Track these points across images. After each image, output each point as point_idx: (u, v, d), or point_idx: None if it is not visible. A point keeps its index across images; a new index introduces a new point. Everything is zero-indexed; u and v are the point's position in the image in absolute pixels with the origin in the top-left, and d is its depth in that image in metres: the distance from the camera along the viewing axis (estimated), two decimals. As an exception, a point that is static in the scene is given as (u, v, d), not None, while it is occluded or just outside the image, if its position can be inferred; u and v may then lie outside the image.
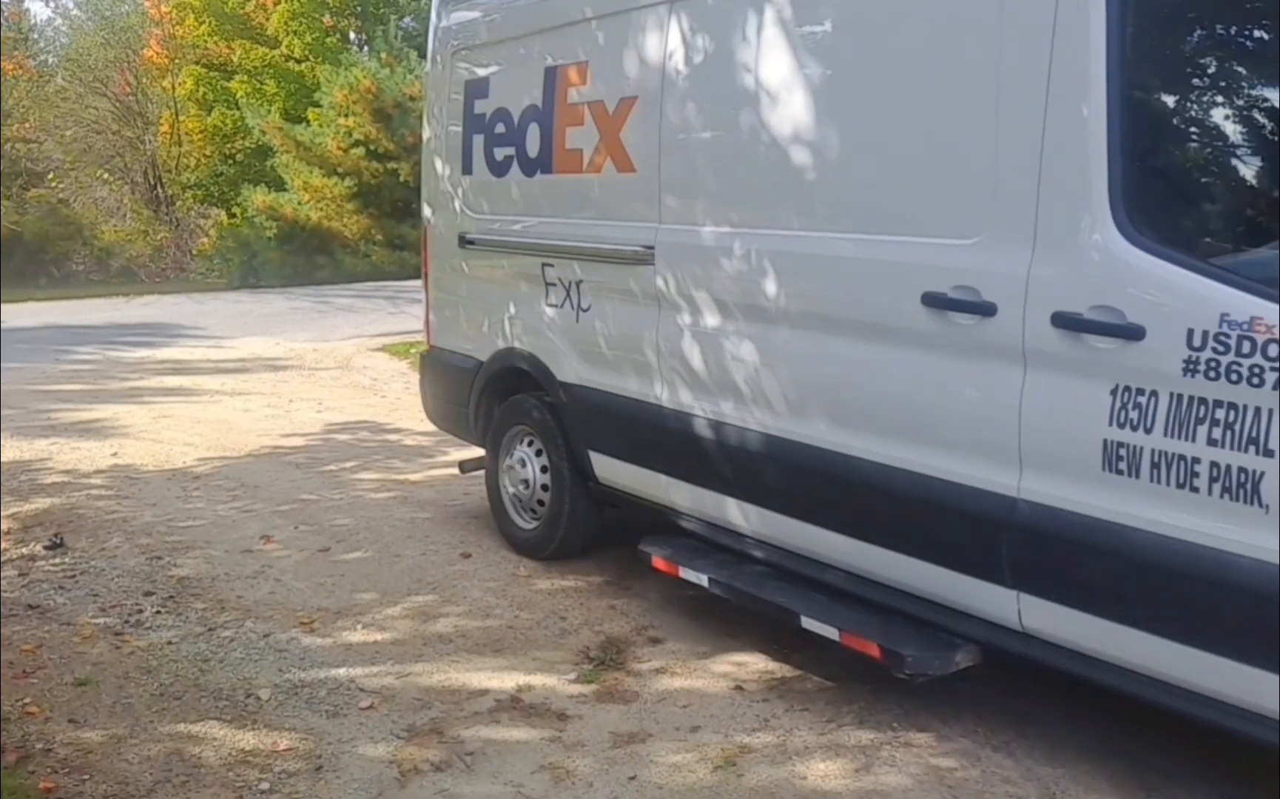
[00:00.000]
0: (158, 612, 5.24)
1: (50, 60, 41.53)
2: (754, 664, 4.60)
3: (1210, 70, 3.30)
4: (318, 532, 6.46)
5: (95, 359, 14.42)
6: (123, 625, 5.08)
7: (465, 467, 6.39)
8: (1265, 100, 3.15)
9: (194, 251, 35.23)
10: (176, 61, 35.04)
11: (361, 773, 3.78)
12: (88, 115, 37.32)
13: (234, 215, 30.42)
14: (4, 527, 6.53)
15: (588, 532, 5.64)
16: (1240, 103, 3.22)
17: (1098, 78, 3.13)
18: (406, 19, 28.78)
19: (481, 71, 5.92)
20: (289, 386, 11.62)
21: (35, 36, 41.44)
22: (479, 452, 6.25)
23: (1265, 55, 3.14)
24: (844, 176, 4.00)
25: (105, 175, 38.47)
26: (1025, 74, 3.30)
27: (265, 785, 3.69)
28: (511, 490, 5.88)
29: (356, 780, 3.74)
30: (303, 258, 25.59)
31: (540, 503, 5.71)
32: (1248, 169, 3.26)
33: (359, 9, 31.31)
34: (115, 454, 8.45)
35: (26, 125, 37.69)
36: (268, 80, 28.21)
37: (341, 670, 4.57)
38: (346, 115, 23.73)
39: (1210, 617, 3.06)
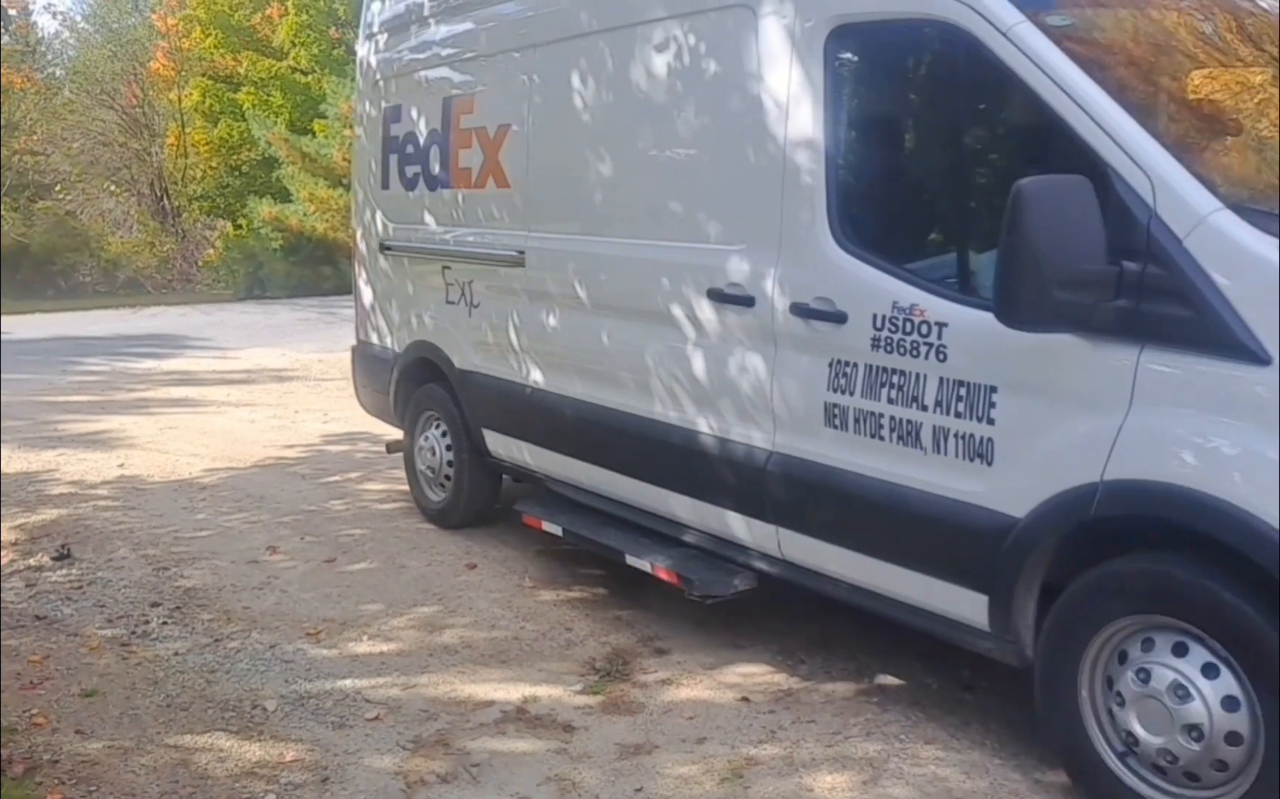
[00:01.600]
0: (164, 623, 5.25)
1: (58, 73, 41.69)
2: (760, 675, 4.59)
3: (891, 122, 4.37)
4: (323, 542, 6.47)
5: (102, 370, 14.46)
6: (129, 636, 5.08)
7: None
8: (930, 144, 4.29)
9: (200, 263, 35.27)
10: (183, 73, 35.12)
11: (368, 784, 3.78)
12: (95, 127, 37.43)
13: (240, 226, 30.46)
14: (11, 538, 6.54)
15: (486, 500, 6.49)
16: (911, 146, 4.40)
17: (819, 128, 4.13)
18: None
19: (396, 100, 6.75)
20: (295, 397, 11.64)
21: (43, 49, 41.61)
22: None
23: (930, 112, 4.25)
24: (652, 195, 4.94)
25: (112, 187, 38.56)
26: (772, 125, 4.29)
27: (271, 797, 3.70)
28: (423, 467, 6.69)
29: (363, 792, 3.74)
30: (308, 269, 25.62)
31: (447, 477, 6.51)
32: (917, 193, 4.30)
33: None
34: (122, 465, 8.47)
35: (34, 137, 37.81)
36: (274, 92, 28.27)
37: (347, 681, 4.58)
38: (352, 126, 23.75)
39: (902, 541, 3.93)
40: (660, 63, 4.84)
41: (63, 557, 6.13)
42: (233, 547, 6.40)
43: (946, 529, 3.75)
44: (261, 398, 11.69)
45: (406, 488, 6.94)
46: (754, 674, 4.61)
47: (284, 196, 25.99)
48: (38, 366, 14.45)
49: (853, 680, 4.53)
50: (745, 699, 4.38)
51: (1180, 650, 3.23)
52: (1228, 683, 3.14)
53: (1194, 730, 3.17)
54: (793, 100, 4.22)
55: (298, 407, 11.04)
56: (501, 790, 3.75)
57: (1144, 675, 3.28)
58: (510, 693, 4.46)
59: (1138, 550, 3.36)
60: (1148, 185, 3.23)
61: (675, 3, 4.78)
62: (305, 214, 24.90)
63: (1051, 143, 3.50)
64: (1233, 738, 3.13)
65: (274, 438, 9.46)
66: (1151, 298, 3.22)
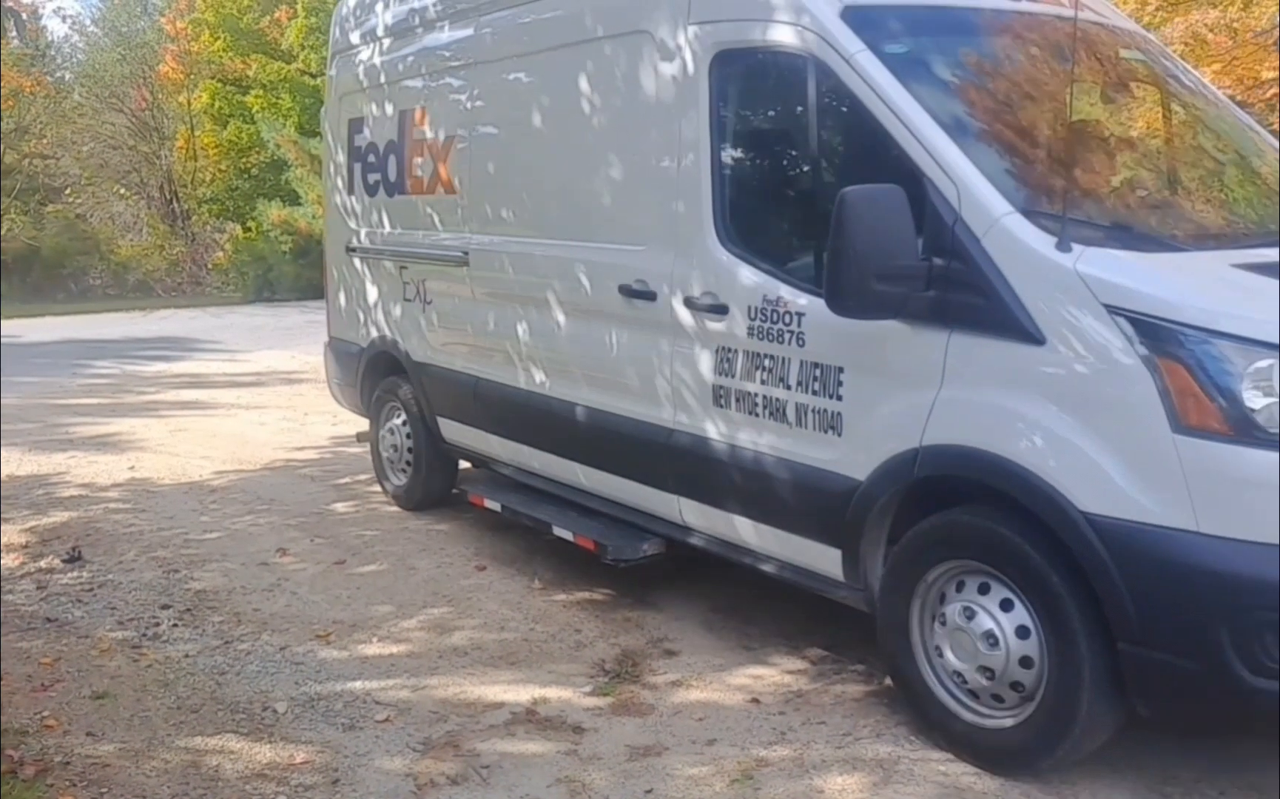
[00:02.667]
0: (175, 625, 5.26)
1: (67, 76, 41.79)
2: (770, 677, 4.59)
3: (762, 137, 4.97)
4: (333, 544, 6.48)
5: (112, 373, 14.51)
6: (140, 639, 5.10)
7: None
8: (792, 156, 4.78)
9: (210, 266, 35.37)
10: (192, 77, 35.20)
11: (378, 786, 3.78)
12: (104, 131, 37.55)
13: (249, 229, 30.54)
14: (22, 540, 6.56)
15: (442, 483, 7.00)
16: (777, 157, 4.90)
17: (704, 142, 4.67)
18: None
19: (359, 112, 7.28)
20: (304, 400, 11.65)
21: (52, 53, 41.71)
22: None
23: (792, 127, 4.72)
24: (573, 201, 5.48)
25: (122, 190, 38.68)
26: (668, 144, 4.84)
27: (282, 798, 3.71)
28: (386, 453, 7.24)
29: (373, 793, 3.74)
30: (318, 271, 25.53)
31: (408, 462, 7.03)
32: (781, 199, 4.78)
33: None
34: (132, 468, 8.50)
35: (44, 141, 37.93)
36: (283, 94, 28.29)
37: (358, 683, 4.58)
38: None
39: (776, 506, 4.43)
40: (576, 83, 5.39)
41: (73, 559, 6.15)
42: (243, 549, 6.41)
43: (808, 493, 4.29)
44: (271, 400, 11.72)
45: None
46: (764, 676, 4.60)
47: (293, 199, 26.05)
48: (48, 369, 14.51)
49: (863, 682, 4.52)
50: (755, 701, 4.37)
51: (984, 590, 3.77)
52: (1020, 615, 3.67)
53: (994, 657, 3.71)
54: (683, 118, 4.76)
55: (307, 409, 11.05)
56: (511, 792, 3.75)
57: (957, 612, 3.81)
58: (520, 694, 4.46)
59: (956, 506, 3.86)
60: (955, 191, 3.76)
61: (587, 30, 5.31)
62: (314, 217, 24.89)
63: (884, 154, 3.98)
64: (1025, 662, 3.66)
65: (284, 440, 9.48)
66: (956, 289, 3.76)
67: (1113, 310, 3.43)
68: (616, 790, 3.74)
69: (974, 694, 3.83)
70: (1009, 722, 3.75)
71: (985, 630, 3.72)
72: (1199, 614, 3.29)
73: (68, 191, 38.63)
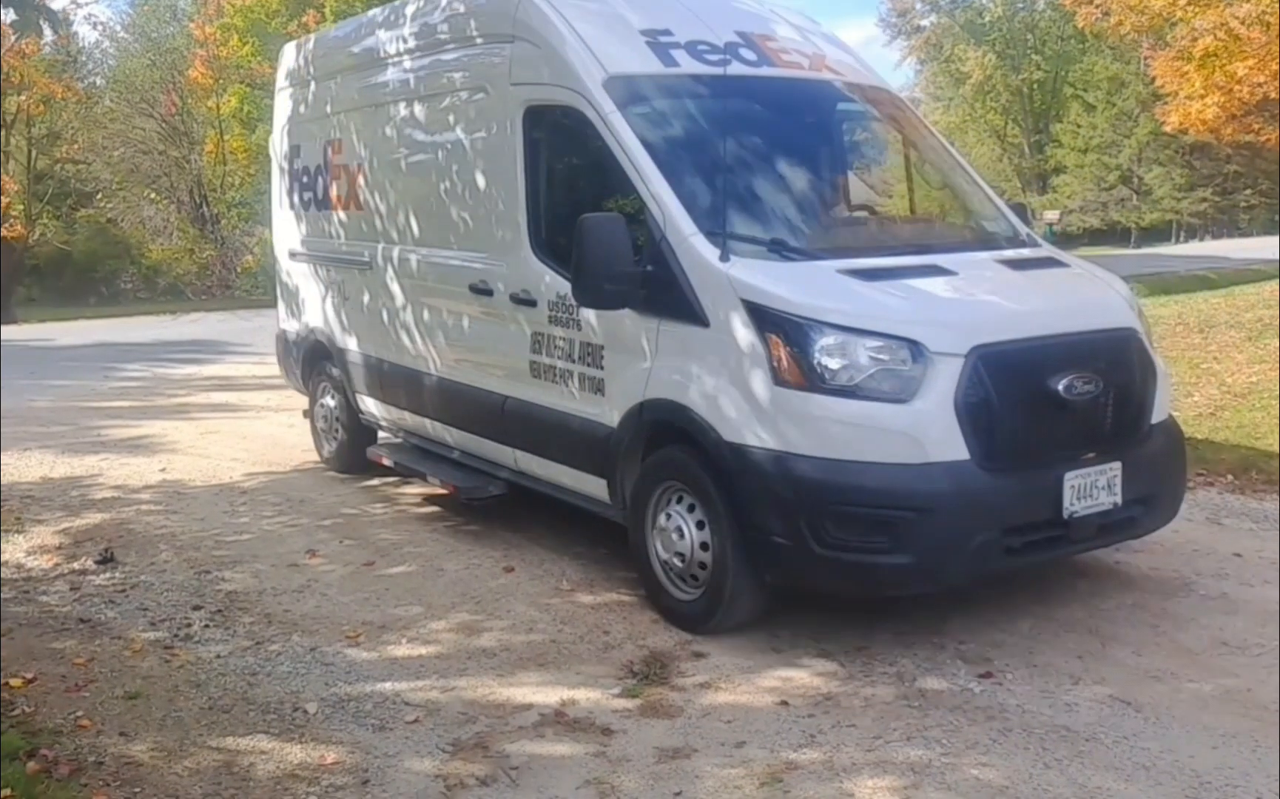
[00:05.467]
0: (206, 626, 5.30)
1: (98, 82, 42.20)
2: (799, 679, 4.57)
3: (555, 171, 6.16)
4: (362, 546, 6.51)
5: (143, 376, 14.64)
6: (172, 639, 5.13)
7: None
8: (572, 186, 6.17)
9: (239, 269, 35.66)
10: (221, 81, 35.50)
11: (408, 787, 3.79)
12: (135, 135, 37.90)
13: (278, 232, 30.77)
14: (56, 542, 6.63)
15: (361, 448, 7.94)
16: (564, 187, 6.18)
17: (520, 175, 6.04)
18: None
19: (296, 140, 8.65)
20: (333, 402, 11.68)
21: (83, 59, 42.12)
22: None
23: (572, 165, 6.24)
24: (440, 219, 6.80)
25: (152, 194, 39.03)
26: (497, 174, 6.22)
27: (313, 799, 3.72)
28: (320, 426, 8.57)
29: (403, 794, 3.75)
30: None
31: (337, 432, 8.34)
32: (567, 218, 5.55)
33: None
34: (164, 469, 8.57)
35: (75, 146, 38.30)
36: (311, 99, 28.51)
37: (387, 684, 4.60)
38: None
39: (569, 450, 5.79)
40: (440, 124, 6.82)
41: (106, 560, 6.20)
42: (273, 550, 6.45)
43: (586, 440, 5.63)
44: (300, 402, 11.72)
45: (444, 492, 6.98)
46: (793, 678, 4.58)
47: (321, 202, 26.14)
48: (80, 372, 14.65)
49: (893, 684, 4.49)
50: (784, 703, 4.35)
51: (680, 500, 5.16)
52: (698, 516, 5.05)
53: (683, 546, 5.11)
54: (507, 156, 6.12)
55: (336, 411, 11.07)
56: (540, 793, 3.75)
57: (667, 516, 5.19)
58: (548, 696, 4.46)
59: (672, 442, 5.20)
60: (662, 216, 5.18)
61: (449, 84, 6.71)
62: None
63: (625, 187, 5.41)
64: (704, 547, 5.03)
65: (313, 442, 9.50)
66: (661, 288, 5.15)
67: (745, 302, 4.84)
68: (646, 792, 3.74)
69: (676, 577, 5.18)
70: (693, 595, 5.11)
71: (677, 527, 5.11)
72: (790, 507, 4.67)
73: (99, 196, 39.01)
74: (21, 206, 35.21)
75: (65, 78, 36.73)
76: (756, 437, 4.73)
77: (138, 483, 8.16)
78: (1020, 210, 6.54)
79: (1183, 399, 9.31)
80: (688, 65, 5.85)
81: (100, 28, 51.67)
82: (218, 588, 5.82)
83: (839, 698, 4.39)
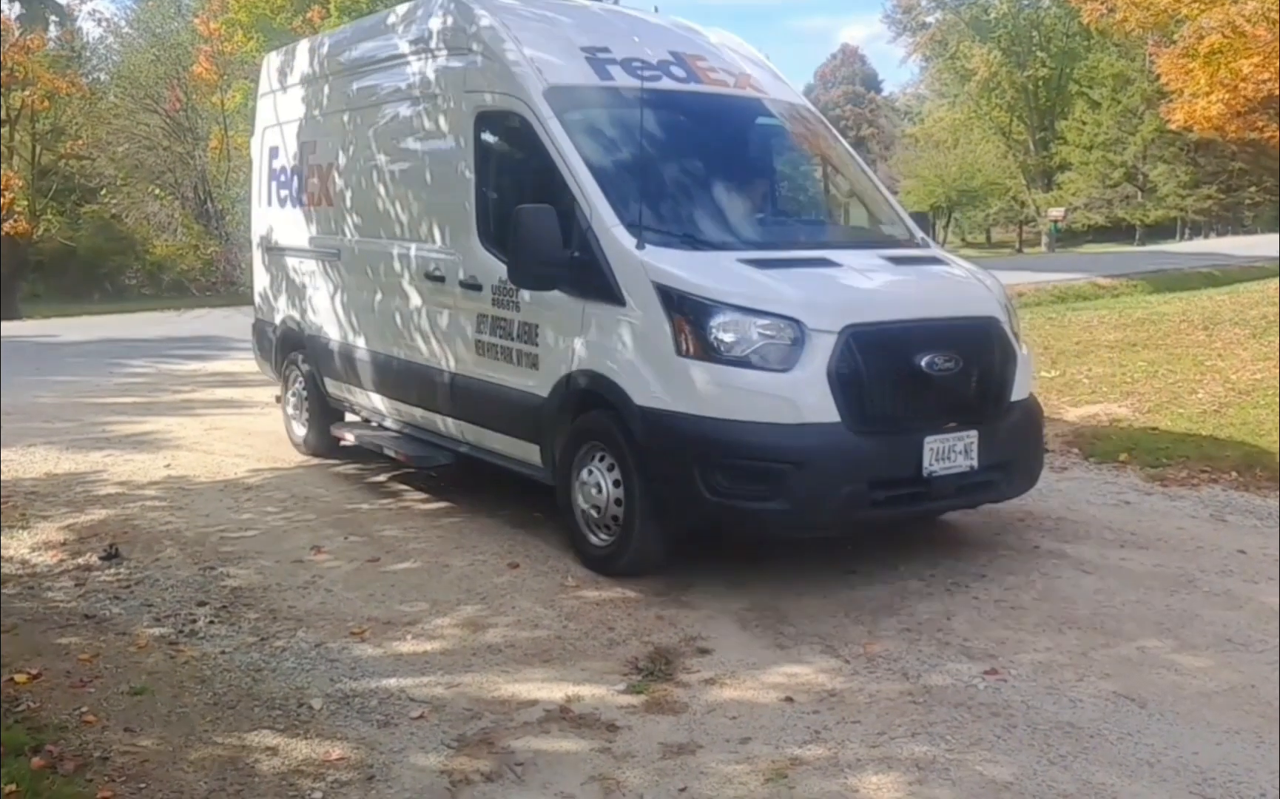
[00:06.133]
0: (211, 621, 5.30)
1: (102, 77, 42.24)
2: (804, 675, 4.57)
3: (501, 170, 6.86)
4: (367, 541, 6.51)
5: (148, 372, 14.65)
6: (177, 635, 5.14)
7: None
8: (516, 183, 6.72)
9: (244, 265, 35.61)
10: (225, 77, 35.49)
11: (413, 783, 3.79)
12: (139, 131, 37.91)
13: (282, 229, 30.75)
14: (60, 538, 6.63)
15: (326, 426, 8.63)
16: (508, 184, 6.76)
17: (471, 174, 6.75)
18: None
19: (274, 142, 9.39)
20: (337, 398, 11.68)
21: (88, 54, 42.17)
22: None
23: (516, 165, 6.78)
24: (400, 212, 7.48)
25: (157, 190, 39.04)
26: (452, 173, 6.91)
27: (318, 794, 3.72)
28: (290, 410, 9.16)
29: (408, 790, 3.75)
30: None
31: (307, 415, 8.88)
32: (508, 211, 6.16)
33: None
34: (168, 466, 8.58)
35: (79, 142, 38.34)
36: (315, 95, 28.48)
37: (392, 680, 4.60)
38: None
39: (509, 420, 6.43)
40: (400, 129, 7.54)
41: (111, 556, 6.21)
42: (278, 546, 6.46)
43: (522, 409, 6.28)
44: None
45: (448, 487, 6.99)
46: (797, 674, 4.58)
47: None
48: (84, 368, 14.67)
49: (897, 681, 4.49)
50: (789, 699, 4.35)
51: (600, 459, 5.81)
52: (615, 473, 5.71)
53: (600, 499, 5.77)
54: (460, 158, 6.83)
55: (340, 407, 11.09)
56: (546, 789, 3.75)
57: (589, 472, 5.85)
58: (553, 692, 4.46)
59: (593, 408, 5.86)
60: (589, 210, 5.87)
61: (408, 92, 7.43)
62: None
63: (560, 185, 6.03)
64: (619, 502, 5.69)
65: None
66: (587, 272, 5.83)
67: (655, 284, 5.55)
68: (651, 789, 3.74)
69: (594, 526, 5.84)
70: (608, 541, 5.80)
71: (596, 482, 5.78)
72: (688, 460, 5.36)
73: (103, 192, 39.04)
74: (26, 202, 35.27)
75: (70, 73, 36.82)
76: (662, 400, 5.46)
77: (142, 479, 8.17)
78: (921, 218, 7.23)
79: (1187, 396, 9.30)
80: (621, 79, 6.54)
81: (105, 23, 51.81)
82: (223, 584, 5.82)
83: (844, 694, 4.39)
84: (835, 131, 7.76)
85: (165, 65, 38.02)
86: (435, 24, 7.12)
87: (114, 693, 4.49)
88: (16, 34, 26.80)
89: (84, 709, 4.32)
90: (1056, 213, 54.29)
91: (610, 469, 5.72)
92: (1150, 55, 34.47)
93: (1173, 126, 29.45)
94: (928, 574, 5.72)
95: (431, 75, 7.16)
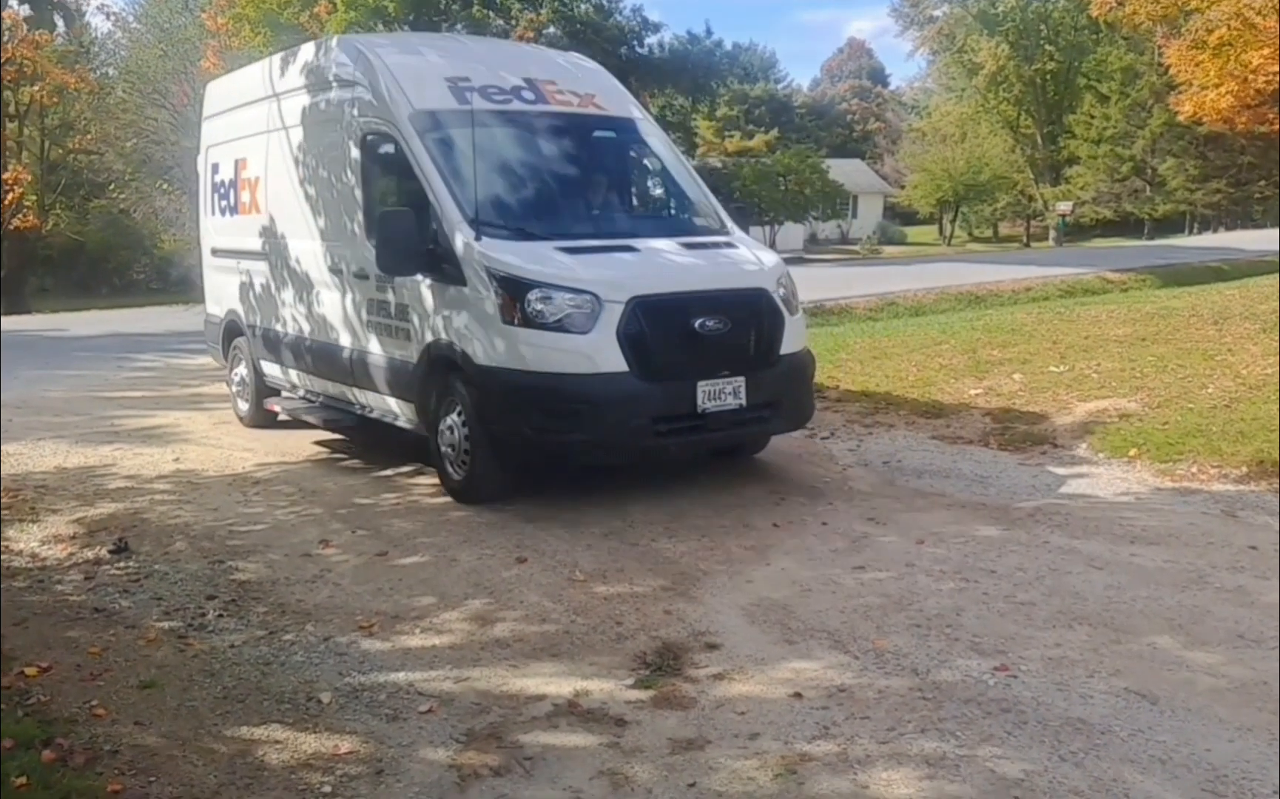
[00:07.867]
0: (220, 615, 5.31)
1: (110, 73, 42.26)
2: (812, 671, 4.55)
3: (381, 179, 8.16)
4: (375, 536, 6.52)
5: (156, 366, 14.67)
6: (186, 629, 5.14)
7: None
8: (393, 189, 8.08)
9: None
10: (233, 72, 35.47)
11: (422, 777, 3.79)
12: (147, 126, 37.86)
13: (289, 223, 30.75)
14: (70, 531, 6.65)
15: (262, 404, 9.78)
16: (387, 190, 8.14)
17: (360, 182, 8.08)
18: (459, 27, 28.84)
19: (215, 158, 10.65)
20: (345, 392, 11.69)
21: (96, 50, 42.22)
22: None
23: (391, 175, 8.10)
24: (313, 216, 8.71)
25: (165, 185, 38.95)
26: (345, 184, 8.25)
27: (327, 788, 3.72)
28: (234, 390, 10.34)
29: (417, 784, 3.75)
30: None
31: (246, 394, 10.04)
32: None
33: (413, 18, 31.54)
34: (177, 459, 8.59)
35: (88, 137, 38.41)
36: (322, 89, 28.46)
37: (400, 674, 4.60)
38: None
39: (395, 385, 7.72)
40: (311, 144, 8.79)
41: (120, 550, 6.22)
42: (286, 540, 6.47)
43: (402, 375, 7.60)
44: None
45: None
46: (806, 670, 4.57)
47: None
48: (93, 363, 14.70)
49: (907, 677, 4.48)
50: (798, 695, 4.34)
51: (454, 410, 7.16)
52: (464, 419, 7.07)
53: (455, 439, 7.16)
54: (353, 171, 8.16)
55: (348, 401, 11.09)
56: (554, 784, 3.75)
57: (447, 421, 7.21)
58: (562, 687, 4.46)
59: (447, 370, 7.19)
60: (441, 210, 7.22)
61: (321, 113, 8.62)
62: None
63: (422, 193, 7.36)
64: (465, 440, 7.08)
65: (326, 433, 9.52)
66: (440, 261, 7.17)
67: (486, 268, 6.86)
68: (659, 783, 3.73)
69: (452, 463, 7.18)
70: (462, 475, 7.15)
71: (450, 427, 7.15)
72: (517, 406, 6.75)
73: (111, 187, 39.09)
74: (35, 197, 35.34)
75: (78, 69, 36.84)
76: (494, 359, 6.85)
77: (151, 473, 8.18)
78: (741, 212, 8.90)
79: (1197, 391, 9.27)
80: (478, 103, 7.75)
81: (113, 19, 51.67)
82: (231, 578, 5.83)
83: (852, 690, 4.38)
84: (669, 140, 9.19)
85: (173, 60, 37.94)
86: (332, 62, 8.54)
87: (123, 686, 4.50)
88: (24, 31, 26.83)
89: (94, 702, 4.33)
90: (1064, 207, 54.10)
91: (460, 416, 7.05)
92: (1159, 48, 34.36)
93: (1181, 118, 29.32)
94: (936, 570, 5.70)
95: (332, 104, 8.47)
